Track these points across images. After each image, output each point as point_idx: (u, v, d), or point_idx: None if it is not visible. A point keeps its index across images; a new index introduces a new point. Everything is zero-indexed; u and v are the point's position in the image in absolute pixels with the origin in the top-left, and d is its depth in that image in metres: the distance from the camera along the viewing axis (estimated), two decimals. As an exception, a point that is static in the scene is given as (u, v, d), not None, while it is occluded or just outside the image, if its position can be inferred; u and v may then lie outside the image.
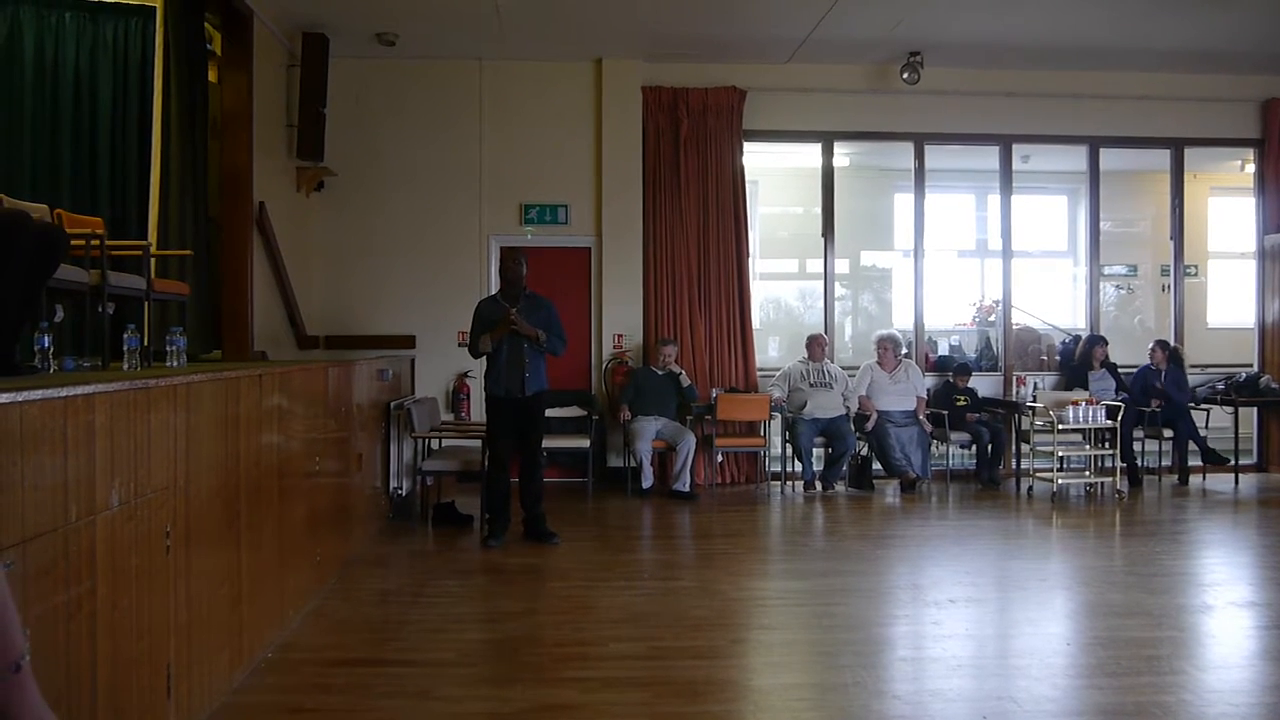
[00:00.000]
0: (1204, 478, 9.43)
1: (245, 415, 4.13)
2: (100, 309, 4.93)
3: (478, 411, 8.95)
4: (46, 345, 3.80)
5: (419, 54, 9.10)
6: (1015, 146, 10.03)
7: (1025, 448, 9.14)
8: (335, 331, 9.10)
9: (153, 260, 5.61)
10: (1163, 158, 10.24)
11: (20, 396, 2.44)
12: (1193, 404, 9.47)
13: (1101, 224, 10.21)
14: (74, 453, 2.69)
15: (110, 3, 6.52)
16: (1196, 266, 11.67)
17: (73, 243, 4.56)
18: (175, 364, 4.44)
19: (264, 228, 7.77)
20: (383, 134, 9.26)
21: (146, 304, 5.47)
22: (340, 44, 8.58)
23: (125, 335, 4.28)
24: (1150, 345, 9.56)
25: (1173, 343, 9.83)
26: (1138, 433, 9.16)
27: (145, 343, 5.05)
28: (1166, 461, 9.60)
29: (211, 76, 7.38)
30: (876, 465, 9.14)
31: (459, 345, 8.94)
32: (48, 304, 4.74)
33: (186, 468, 3.46)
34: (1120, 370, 9.55)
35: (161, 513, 3.26)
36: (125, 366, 4.24)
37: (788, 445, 9.03)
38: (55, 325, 4.74)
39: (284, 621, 4.67)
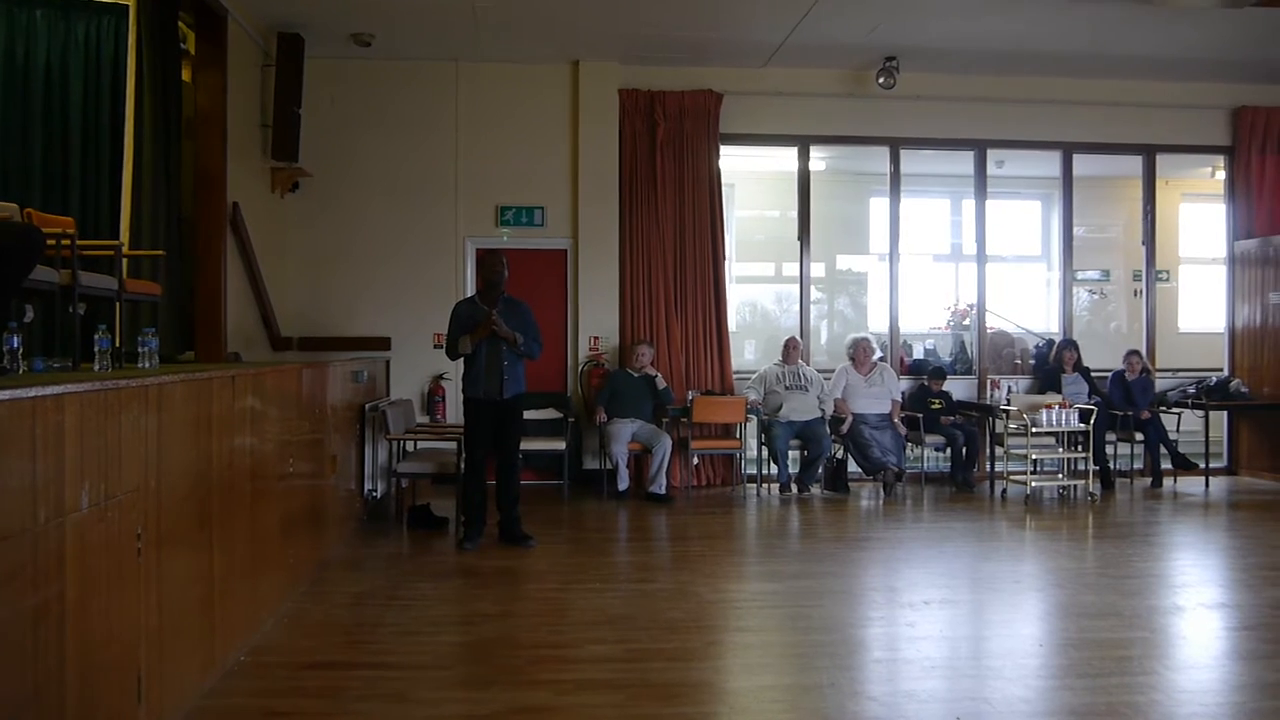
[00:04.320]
0: (1175, 481, 9.52)
1: (218, 417, 4.10)
2: (71, 309, 4.88)
3: (453, 414, 8.92)
4: (16, 346, 3.76)
5: (395, 55, 9.06)
6: (990, 151, 10.10)
7: (999, 451, 9.21)
8: (309, 333, 9.05)
9: (125, 260, 5.57)
10: (1135, 164, 10.35)
11: (-12, 397, 2.41)
12: (1162, 409, 9.58)
13: (1075, 229, 10.29)
14: (43, 454, 2.66)
15: (82, 1, 6.46)
16: (1168, 271, 11.80)
17: (43, 242, 4.51)
18: (147, 365, 4.40)
19: (238, 228, 7.72)
20: (358, 135, 9.21)
21: (118, 304, 5.43)
22: (316, 44, 8.54)
23: (96, 336, 4.24)
24: (1127, 355, 9.62)
25: (1140, 350, 9.91)
26: (1110, 436, 9.24)
27: (117, 344, 5.01)
28: (1139, 464, 9.69)
29: (185, 76, 7.33)
30: (852, 468, 9.18)
31: (434, 347, 8.93)
32: (17, 304, 4.70)
33: (158, 470, 3.43)
34: (1094, 374, 9.63)
35: (132, 515, 3.22)
36: (96, 367, 4.19)
37: (763, 448, 9.04)
38: (25, 325, 4.69)
39: (257, 625, 4.63)
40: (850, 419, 8.99)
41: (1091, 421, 8.57)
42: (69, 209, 6.17)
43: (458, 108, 9.29)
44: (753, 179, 11.46)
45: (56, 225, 5.02)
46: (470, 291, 8.78)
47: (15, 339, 3.76)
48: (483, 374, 6.65)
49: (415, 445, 8.09)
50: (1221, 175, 10.54)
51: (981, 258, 10.13)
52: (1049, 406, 8.52)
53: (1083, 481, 8.76)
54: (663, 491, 8.47)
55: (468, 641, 4.80)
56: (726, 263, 9.69)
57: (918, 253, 11.38)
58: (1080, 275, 11.54)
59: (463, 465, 6.95)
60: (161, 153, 6.59)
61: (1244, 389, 9.77)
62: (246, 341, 7.99)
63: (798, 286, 9.94)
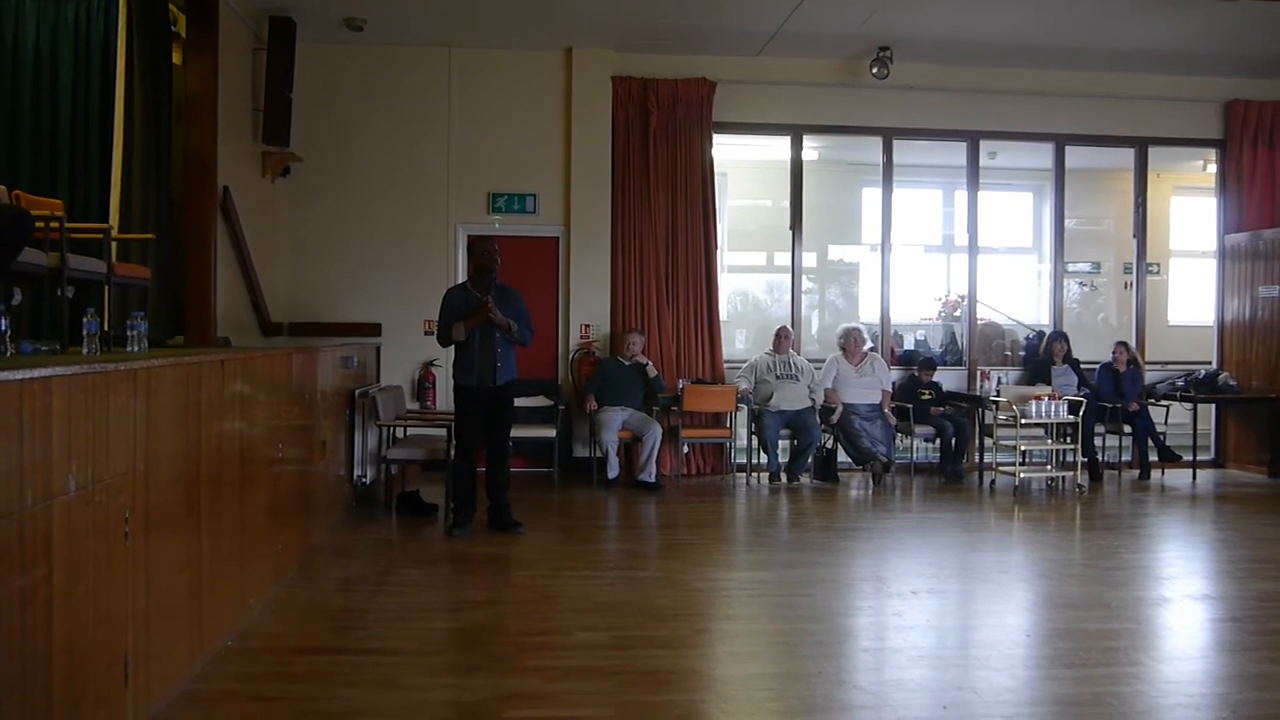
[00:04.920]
0: (1163, 473, 9.55)
1: (207, 401, 4.08)
2: (59, 292, 4.85)
3: (443, 400, 8.91)
4: (4, 328, 3.73)
5: (387, 40, 9.01)
6: (982, 143, 10.10)
7: (988, 442, 9.23)
8: (300, 318, 9.02)
9: (114, 244, 5.54)
10: (1127, 156, 10.35)
11: (-25, 379, 2.40)
12: (1150, 401, 9.63)
13: (1066, 221, 10.31)
14: (30, 436, 2.64)
15: (73, -18, 6.42)
16: (1159, 264, 11.83)
17: (31, 224, 4.48)
18: (136, 349, 4.38)
19: (228, 212, 7.68)
20: (350, 120, 9.17)
21: (107, 288, 5.41)
22: (308, 28, 8.49)
23: (85, 319, 4.21)
24: (1115, 345, 9.66)
25: (1130, 342, 9.94)
26: (1098, 428, 9.27)
27: (105, 327, 4.98)
28: (1127, 456, 9.72)
29: (176, 59, 7.28)
30: (842, 457, 9.20)
31: (425, 333, 8.91)
32: (5, 287, 4.68)
33: (146, 453, 3.42)
34: (1083, 366, 9.65)
35: (120, 499, 3.21)
36: (85, 351, 4.17)
37: (753, 437, 9.06)
38: (13, 308, 4.67)
39: (245, 609, 4.63)
40: (840, 409, 9.00)
41: (1080, 413, 8.60)
42: (58, 191, 6.13)
43: (450, 93, 9.25)
44: (745, 168, 11.45)
45: (45, 208, 4.99)
46: (461, 278, 8.75)
47: (3, 321, 3.73)
48: (476, 361, 6.63)
49: (405, 431, 8.07)
50: (1213, 169, 10.56)
51: (973, 249, 10.14)
52: (1038, 398, 8.56)
53: (1071, 473, 8.78)
54: (652, 479, 8.47)
55: (456, 628, 4.80)
56: (718, 251, 9.69)
57: (909, 243, 11.39)
58: (1071, 267, 11.56)
59: (453, 452, 6.94)
60: (151, 136, 6.54)
61: (1232, 382, 9.81)
62: (236, 326, 7.96)
63: (789, 276, 9.95)
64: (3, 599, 2.52)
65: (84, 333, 4.20)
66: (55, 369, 2.81)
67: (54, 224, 4.83)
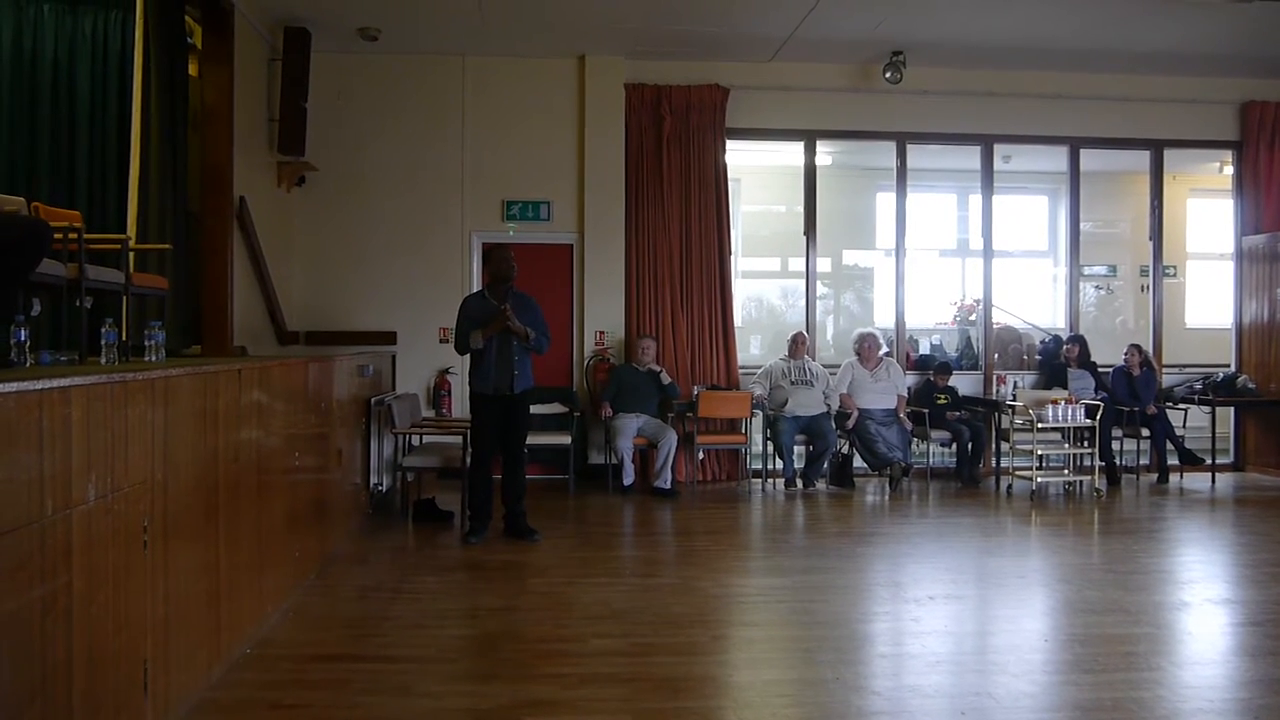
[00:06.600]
0: (1181, 477, 9.49)
1: (224, 410, 4.11)
2: (78, 303, 4.88)
3: (459, 408, 8.93)
4: (23, 339, 3.77)
5: (402, 49, 9.06)
6: (997, 146, 10.08)
7: (1005, 446, 9.19)
8: (316, 327, 9.06)
9: (131, 254, 5.56)
10: (1142, 159, 10.31)
11: (-5, 389, 2.42)
12: (1169, 404, 9.58)
13: (1082, 224, 10.26)
14: (50, 446, 2.67)
15: (89, -5, 6.47)
16: (1175, 267, 11.78)
17: (50, 236, 4.51)
18: (154, 358, 4.41)
19: (244, 222, 7.72)
20: (365, 129, 9.21)
21: (125, 298, 5.43)
22: (322, 38, 8.54)
23: (103, 329, 4.25)
24: (1128, 348, 9.61)
25: (1148, 345, 9.90)
26: (1116, 432, 9.22)
27: (123, 337, 5.01)
28: (1145, 460, 9.67)
29: (192, 70, 7.33)
30: (858, 463, 9.17)
31: (440, 341, 8.94)
32: (25, 297, 4.71)
33: (165, 462, 3.44)
34: (1100, 370, 9.61)
35: (139, 507, 3.23)
36: (103, 360, 4.21)
37: (769, 443, 9.04)
38: (32, 319, 4.70)
39: (263, 617, 4.65)
40: (856, 414, 8.98)
41: (1097, 417, 8.56)
42: (76, 203, 6.18)
43: (464, 102, 9.29)
44: (759, 173, 11.45)
45: (64, 219, 5.02)
46: (476, 286, 8.78)
47: (23, 332, 3.76)
48: (493, 369, 6.64)
49: (421, 439, 8.10)
50: (1229, 170, 10.51)
51: (988, 253, 10.11)
52: (1055, 402, 8.53)
53: (1088, 477, 8.74)
54: (668, 486, 8.47)
55: (472, 635, 4.81)
56: (732, 257, 9.69)
57: (924, 248, 11.37)
58: (1087, 270, 11.52)
59: (468, 459, 6.96)
60: (168, 147, 6.59)
61: (1251, 385, 9.75)
62: (253, 335, 8.00)
63: (804, 281, 9.93)
64: (24, 607, 2.55)
65: (102, 343, 4.24)
66: (74, 379, 2.83)
67: (72, 235, 4.85)
